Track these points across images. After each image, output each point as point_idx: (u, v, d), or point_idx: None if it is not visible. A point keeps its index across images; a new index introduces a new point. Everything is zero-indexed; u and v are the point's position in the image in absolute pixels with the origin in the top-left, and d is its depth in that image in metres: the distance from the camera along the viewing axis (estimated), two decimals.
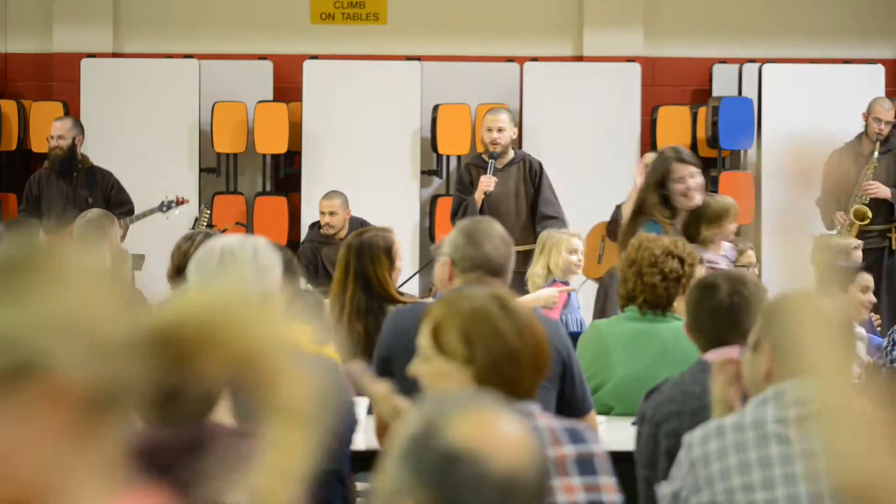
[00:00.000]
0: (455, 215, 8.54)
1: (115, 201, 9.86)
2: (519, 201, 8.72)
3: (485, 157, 8.80)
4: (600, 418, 4.63)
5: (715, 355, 3.84)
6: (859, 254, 7.11)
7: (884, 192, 9.16)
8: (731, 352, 3.77)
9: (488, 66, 11.55)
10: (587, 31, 11.61)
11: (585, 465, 3.03)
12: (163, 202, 9.90)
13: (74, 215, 9.83)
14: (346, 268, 5.37)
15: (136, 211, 9.88)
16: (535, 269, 7.35)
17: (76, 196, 9.85)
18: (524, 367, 3.06)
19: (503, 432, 1.85)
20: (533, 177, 8.80)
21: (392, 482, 1.84)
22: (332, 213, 9.77)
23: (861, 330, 6.21)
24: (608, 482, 3.06)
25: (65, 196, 9.87)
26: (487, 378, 3.01)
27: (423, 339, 3.09)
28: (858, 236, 9.16)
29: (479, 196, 8.54)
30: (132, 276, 7.51)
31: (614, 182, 10.91)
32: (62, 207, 9.76)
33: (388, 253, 5.32)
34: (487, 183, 8.54)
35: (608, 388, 4.98)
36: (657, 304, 4.92)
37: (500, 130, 8.72)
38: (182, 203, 9.98)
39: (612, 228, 10.15)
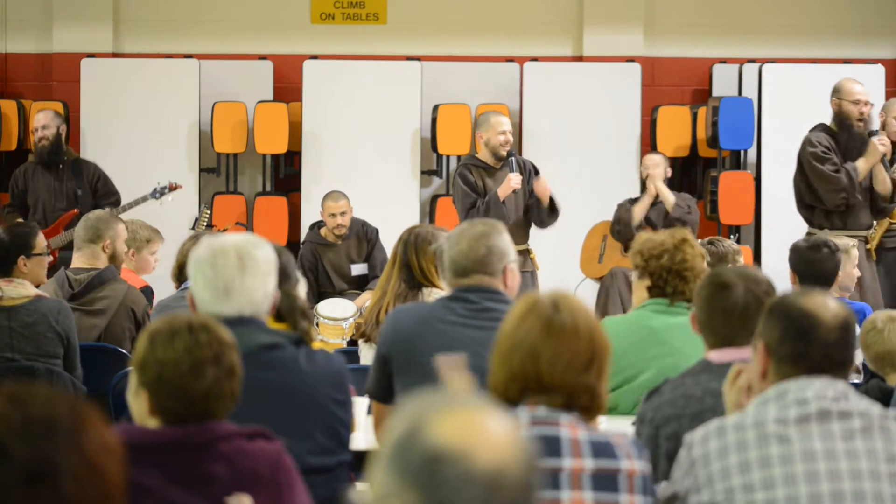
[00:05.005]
0: (467, 214, 8.57)
1: (102, 192, 9.83)
2: (518, 200, 8.74)
3: (486, 159, 8.78)
4: (601, 418, 4.60)
5: (717, 355, 3.82)
6: (856, 252, 7.12)
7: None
8: (738, 353, 3.74)
9: (488, 66, 11.54)
10: (587, 31, 11.60)
11: (603, 480, 3.00)
12: (155, 189, 9.82)
13: (63, 208, 9.80)
14: (394, 259, 5.68)
15: (126, 200, 9.81)
16: None
17: (63, 188, 9.81)
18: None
19: (486, 430, 1.84)
20: (528, 176, 8.82)
21: (381, 486, 1.84)
22: (343, 214, 9.79)
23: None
24: (632, 500, 3.01)
25: (52, 189, 9.83)
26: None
27: None
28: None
29: (505, 192, 8.58)
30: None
31: (614, 182, 10.92)
32: (50, 201, 9.73)
33: (432, 244, 5.49)
34: (517, 181, 8.61)
35: (643, 379, 4.77)
36: (689, 297, 4.79)
37: (510, 132, 8.81)
38: (175, 189, 9.88)
39: (617, 228, 10.15)
